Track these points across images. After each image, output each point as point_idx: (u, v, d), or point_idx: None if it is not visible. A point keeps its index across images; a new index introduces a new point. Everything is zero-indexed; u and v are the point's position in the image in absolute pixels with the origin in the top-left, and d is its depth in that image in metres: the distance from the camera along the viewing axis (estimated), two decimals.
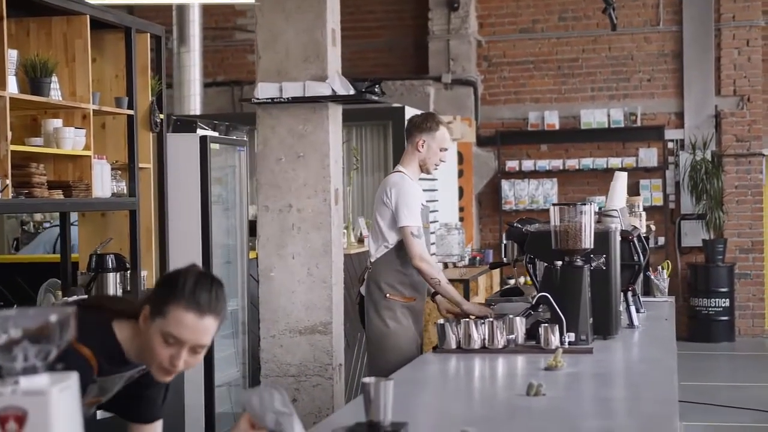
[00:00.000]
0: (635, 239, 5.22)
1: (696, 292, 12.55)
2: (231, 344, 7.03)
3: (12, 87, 4.82)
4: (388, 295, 5.34)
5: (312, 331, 6.12)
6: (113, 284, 5.56)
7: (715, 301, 12.46)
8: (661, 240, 12.79)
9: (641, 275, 5.69)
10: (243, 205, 7.08)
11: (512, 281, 12.62)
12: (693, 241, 12.85)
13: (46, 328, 1.80)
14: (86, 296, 5.21)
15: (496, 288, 11.29)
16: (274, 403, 2.63)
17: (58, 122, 5.18)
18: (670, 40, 13.03)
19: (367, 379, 2.80)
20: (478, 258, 11.25)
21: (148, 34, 6.05)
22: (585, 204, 4.53)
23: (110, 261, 5.55)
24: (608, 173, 12.88)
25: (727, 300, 12.48)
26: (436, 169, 5.55)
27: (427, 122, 5.44)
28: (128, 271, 5.72)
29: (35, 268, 6.39)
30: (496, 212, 13.15)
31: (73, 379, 1.84)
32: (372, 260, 5.45)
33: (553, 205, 4.58)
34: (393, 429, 2.80)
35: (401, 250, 5.30)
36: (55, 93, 5.10)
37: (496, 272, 11.32)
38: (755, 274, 12.87)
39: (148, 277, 6.00)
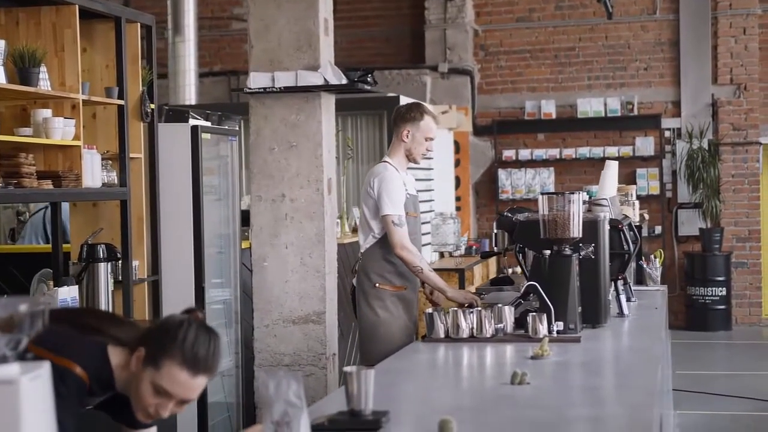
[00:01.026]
0: (625, 228, 5.21)
1: (693, 281, 12.56)
2: (224, 334, 7.03)
3: (0, 77, 4.81)
4: (377, 284, 5.37)
5: (305, 321, 6.12)
6: (104, 274, 5.55)
7: (712, 290, 12.46)
8: (658, 229, 12.79)
9: (632, 264, 5.69)
10: (235, 194, 7.08)
11: (509, 270, 12.63)
12: (690, 230, 12.84)
13: (15, 318, 1.81)
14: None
15: (492, 277, 11.30)
16: (289, 393, 2.64)
17: (47, 112, 5.17)
18: (667, 29, 13.00)
19: (348, 369, 2.81)
20: (474, 247, 11.25)
21: (138, 24, 6.04)
22: (573, 193, 4.53)
23: (101, 251, 5.55)
24: (605, 162, 12.84)
25: (724, 289, 12.48)
26: (424, 157, 5.57)
27: (411, 112, 5.46)
28: (119, 261, 5.72)
29: (30, 258, 6.39)
30: (493, 202, 13.15)
31: (44, 368, 1.84)
32: (361, 251, 5.49)
33: (542, 194, 4.59)
34: (374, 417, 2.81)
35: (388, 239, 5.33)
36: (44, 83, 5.09)
37: (493, 261, 11.33)
38: (752, 263, 12.87)
39: (140, 266, 6.00)
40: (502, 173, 13.18)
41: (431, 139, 5.46)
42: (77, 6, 5.36)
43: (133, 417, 2.85)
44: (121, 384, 2.73)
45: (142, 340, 2.69)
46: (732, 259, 12.69)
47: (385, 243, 5.35)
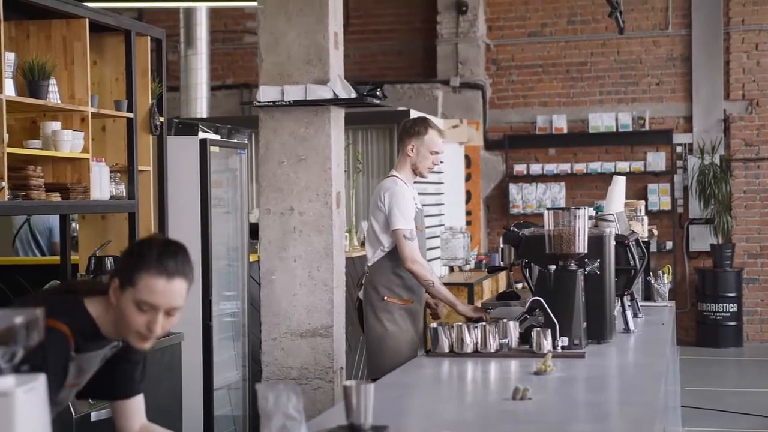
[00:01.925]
0: (632, 244, 5.21)
1: (704, 296, 12.51)
2: (231, 347, 7.05)
3: (9, 90, 4.85)
4: (385, 297, 5.39)
5: (313, 334, 6.13)
6: None
7: (723, 306, 12.42)
8: (669, 244, 12.76)
9: (638, 280, 5.68)
10: (244, 207, 7.10)
11: (520, 285, 12.61)
12: (701, 246, 12.81)
13: (11, 330, 1.82)
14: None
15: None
16: (289, 406, 2.65)
17: (56, 125, 5.20)
18: (679, 44, 13.00)
19: (348, 383, 2.82)
20: (484, 262, 11.24)
21: (149, 37, 6.07)
22: (579, 208, 4.53)
23: (109, 263, 5.57)
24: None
25: (735, 305, 12.44)
26: (431, 171, 5.59)
27: (415, 126, 5.50)
28: None
29: (37, 270, 6.42)
30: (504, 216, 13.14)
31: (39, 380, 1.85)
32: (369, 264, 5.51)
33: (548, 209, 4.59)
34: None
35: (397, 253, 5.34)
36: (54, 96, 5.12)
37: (503, 276, 11.31)
38: (763, 279, 12.83)
39: None
40: (513, 188, 13.17)
41: (437, 153, 5.49)
42: (87, 19, 5.39)
43: (118, 385, 2.94)
44: (107, 329, 2.79)
45: (113, 275, 2.78)
46: (743, 275, 12.65)
47: (393, 256, 5.36)
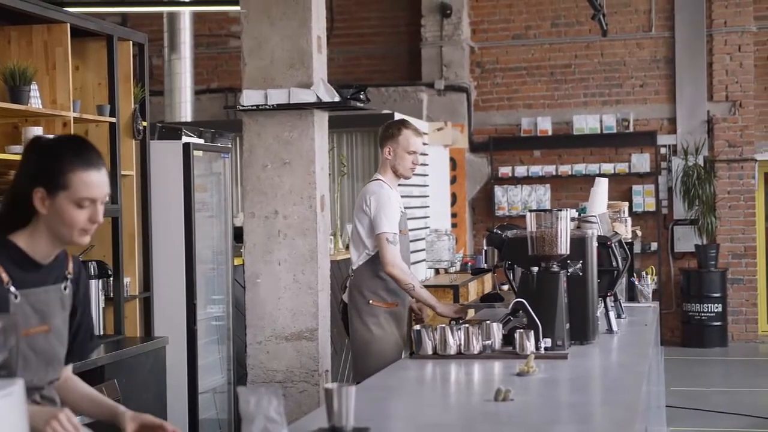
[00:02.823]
0: (615, 245, 5.22)
1: (689, 297, 12.56)
2: (216, 350, 7.04)
3: None
4: (371, 301, 5.43)
5: (298, 338, 6.13)
6: (95, 291, 5.56)
7: (708, 307, 12.46)
8: (654, 245, 12.80)
9: (622, 281, 5.70)
10: (228, 211, 7.10)
11: (506, 287, 12.61)
12: (686, 247, 12.85)
13: None
14: None
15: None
16: (270, 409, 2.65)
17: (38, 130, 5.20)
18: (663, 46, 13.05)
19: (329, 385, 2.83)
20: (470, 264, 11.26)
21: (131, 42, 6.07)
22: (561, 210, 4.55)
23: (92, 268, 5.56)
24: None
25: (720, 305, 12.48)
26: (412, 171, 5.61)
27: (389, 129, 5.58)
28: (110, 278, 5.73)
29: None
30: (490, 218, 13.15)
31: (17, 385, 1.85)
32: (353, 267, 5.55)
33: (530, 211, 4.60)
34: None
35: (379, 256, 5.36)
36: (35, 101, 5.12)
37: (488, 278, 11.33)
38: (748, 279, 12.88)
39: (131, 283, 6.02)
40: (498, 190, 13.19)
41: (414, 152, 5.53)
42: (69, 24, 5.39)
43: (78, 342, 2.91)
44: (39, 252, 2.79)
45: (30, 186, 2.75)
46: (728, 275, 12.70)
47: (378, 260, 5.39)
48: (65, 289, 2.89)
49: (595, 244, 4.81)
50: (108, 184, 2.82)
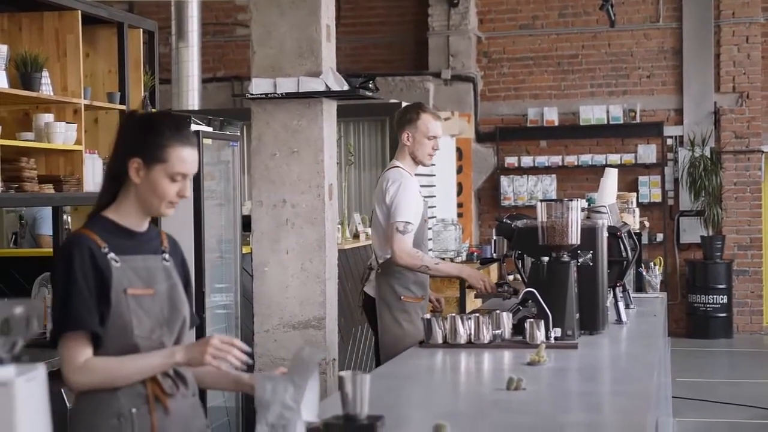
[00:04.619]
0: (624, 235, 5.22)
1: (694, 288, 12.56)
2: None
3: (2, 82, 4.84)
4: (403, 297, 5.29)
5: (306, 326, 6.13)
6: None
7: (713, 298, 12.47)
8: (660, 236, 12.80)
9: (630, 271, 5.70)
10: (236, 200, 7.10)
11: (511, 278, 12.62)
12: (691, 238, 12.85)
13: (11, 320, 1.82)
14: None
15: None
16: (286, 396, 2.67)
17: (49, 117, 5.20)
18: (670, 37, 13.03)
19: (343, 373, 2.83)
20: (476, 254, 11.25)
21: (141, 30, 6.07)
22: (572, 200, 4.55)
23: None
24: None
25: (725, 296, 12.48)
26: (431, 158, 5.45)
27: (407, 114, 5.40)
28: None
29: (30, 262, 6.41)
30: (495, 208, 13.16)
31: (39, 370, 1.86)
32: (380, 261, 5.37)
33: (541, 201, 4.60)
34: (369, 422, 2.82)
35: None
36: (46, 88, 5.12)
37: (495, 268, 11.34)
38: (753, 271, 12.88)
39: None
40: (504, 180, 13.19)
41: (434, 137, 5.37)
42: (80, 12, 5.39)
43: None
44: (130, 219, 2.93)
45: (127, 156, 2.88)
46: (733, 266, 12.70)
47: None
48: (165, 260, 3.01)
49: (605, 234, 4.81)
50: (197, 162, 2.96)
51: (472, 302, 8.62)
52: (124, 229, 2.93)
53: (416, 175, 5.58)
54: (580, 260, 4.59)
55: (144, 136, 2.90)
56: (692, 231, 12.82)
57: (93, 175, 5.44)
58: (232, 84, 13.51)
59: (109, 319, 2.82)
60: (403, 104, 9.96)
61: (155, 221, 3.35)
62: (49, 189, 5.09)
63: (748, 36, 12.80)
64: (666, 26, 13.03)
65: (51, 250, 5.96)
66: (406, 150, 5.38)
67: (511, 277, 10.79)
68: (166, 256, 3.02)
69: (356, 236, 8.00)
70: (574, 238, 4.50)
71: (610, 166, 12.75)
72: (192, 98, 10.43)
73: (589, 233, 4.66)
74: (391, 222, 5.24)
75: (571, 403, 3.39)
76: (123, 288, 2.84)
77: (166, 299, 2.96)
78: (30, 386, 1.82)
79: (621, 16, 12.70)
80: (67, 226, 6.40)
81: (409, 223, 5.23)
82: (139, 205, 2.92)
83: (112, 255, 2.86)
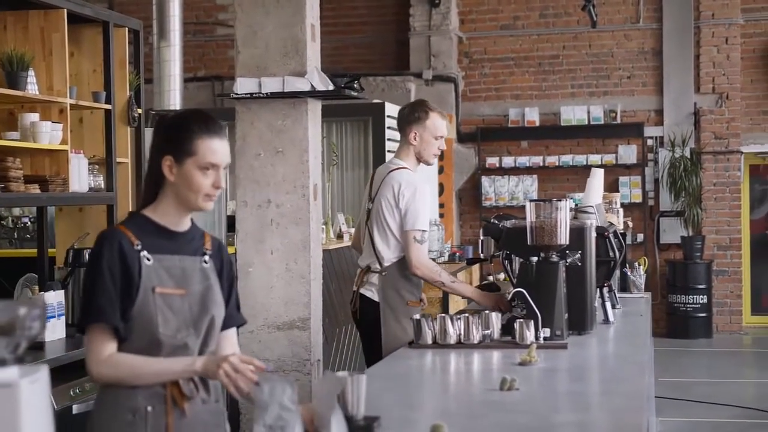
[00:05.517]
0: (611, 236, 5.24)
1: (674, 288, 12.62)
2: None
3: None
4: (409, 302, 5.19)
5: (290, 327, 6.12)
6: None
7: (693, 298, 12.53)
8: (640, 237, 12.85)
9: (617, 271, 5.71)
10: (221, 200, 7.08)
11: (491, 277, 12.63)
12: (671, 238, 12.91)
13: (15, 321, 1.81)
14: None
15: (476, 284, 11.31)
16: (284, 397, 2.66)
17: (34, 116, 5.16)
18: (650, 38, 13.08)
19: (340, 374, 2.82)
20: (458, 254, 11.27)
21: (126, 29, 6.03)
22: (561, 200, 4.55)
23: (87, 256, 5.52)
24: (588, 170, 12.79)
25: (705, 296, 12.55)
26: (435, 158, 5.35)
27: (415, 112, 5.24)
28: None
29: (13, 263, 6.37)
30: (477, 208, 13.18)
31: (42, 371, 1.84)
32: (385, 263, 5.22)
33: (530, 201, 4.60)
34: (366, 423, 2.82)
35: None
36: (32, 87, 5.08)
37: (476, 268, 11.36)
38: (732, 271, 12.95)
39: None
40: (485, 180, 13.21)
41: (441, 137, 5.23)
42: (65, 10, 5.35)
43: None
44: (170, 219, 2.96)
45: (159, 156, 2.94)
46: (713, 267, 12.77)
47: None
48: (205, 262, 3.01)
49: (593, 234, 4.83)
50: (229, 153, 3.00)
51: (455, 303, 8.63)
52: (163, 229, 2.96)
53: None
54: (569, 260, 4.60)
55: (172, 133, 2.97)
56: (672, 231, 12.88)
57: (79, 175, 5.40)
58: (212, 84, 13.48)
59: (133, 315, 2.85)
60: (387, 104, 9.99)
61: None
62: (35, 189, 5.05)
63: (727, 37, 12.87)
64: (646, 27, 13.09)
65: (35, 251, 5.91)
66: (411, 149, 5.24)
67: (491, 277, 10.81)
68: (207, 258, 3.03)
69: (340, 236, 7.99)
70: (563, 238, 4.51)
71: (592, 166, 12.78)
72: (174, 98, 10.36)
73: (578, 233, 4.67)
74: (407, 230, 5.07)
75: (565, 403, 3.40)
76: (152, 286, 2.88)
77: (198, 300, 2.97)
78: (34, 388, 1.80)
79: (602, 17, 12.74)
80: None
81: (425, 231, 5.11)
82: (178, 203, 2.96)
83: (144, 253, 2.89)
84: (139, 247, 2.89)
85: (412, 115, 5.25)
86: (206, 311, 2.98)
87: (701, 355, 11.94)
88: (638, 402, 3.17)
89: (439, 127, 5.22)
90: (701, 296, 12.52)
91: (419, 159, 5.26)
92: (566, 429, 2.99)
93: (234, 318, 3.12)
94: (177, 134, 2.95)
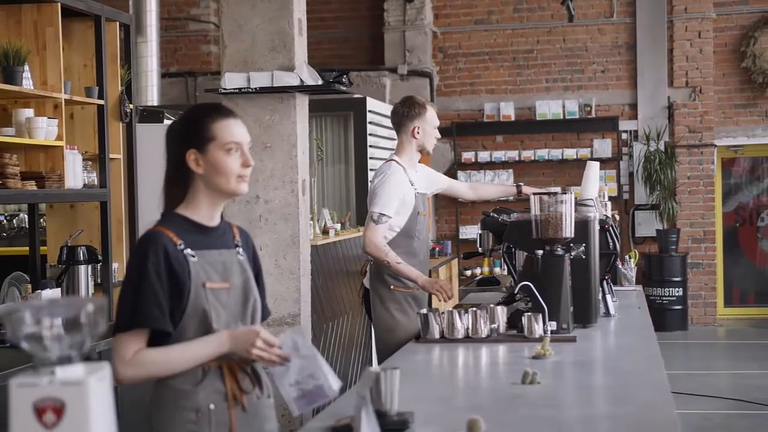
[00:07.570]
0: (611, 228, 5.25)
1: (650, 281, 12.68)
2: None
3: None
4: (392, 287, 5.34)
5: (280, 323, 6.09)
6: (84, 277, 5.47)
7: (669, 291, 12.60)
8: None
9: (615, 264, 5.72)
10: None
11: (468, 272, 12.65)
12: (647, 231, 12.98)
13: (81, 317, 1.78)
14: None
15: (455, 279, 11.33)
16: (300, 348, 2.80)
17: (29, 112, 5.09)
18: (624, 32, 13.14)
19: (373, 369, 2.79)
20: (437, 249, 11.28)
21: (117, 23, 5.96)
22: (565, 193, 4.55)
23: (81, 253, 5.46)
24: (563, 164, 12.99)
25: (680, 289, 12.63)
26: (434, 145, 5.58)
27: (414, 108, 5.44)
28: (99, 264, 5.64)
29: (3, 260, 6.28)
30: (452, 204, 13.18)
31: (106, 369, 1.81)
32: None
33: (534, 194, 4.60)
34: (400, 418, 2.79)
35: (400, 240, 5.28)
36: (27, 82, 5.01)
37: (455, 263, 11.37)
38: (707, 264, 13.04)
39: (119, 269, 5.92)
40: (461, 175, 13.21)
41: (437, 126, 5.52)
42: (59, 4, 5.28)
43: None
44: (204, 212, 2.95)
45: (182, 154, 2.92)
46: (688, 260, 12.85)
47: (397, 243, 5.29)
48: (240, 254, 3.01)
49: (597, 227, 4.83)
50: (247, 132, 2.99)
51: (437, 302, 8.61)
52: (197, 225, 2.94)
53: (373, 168, 5.56)
54: (573, 253, 4.60)
55: (187, 128, 2.96)
56: (647, 225, 12.95)
57: (74, 171, 5.33)
58: (186, 80, 13.36)
59: (187, 314, 2.84)
60: (368, 100, 9.95)
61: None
62: (31, 185, 4.98)
63: (700, 31, 12.96)
64: (620, 21, 13.14)
65: (26, 249, 5.84)
66: (413, 143, 5.44)
67: (469, 272, 10.81)
68: (240, 250, 3.03)
69: (326, 232, 7.95)
70: (568, 231, 4.51)
71: (567, 161, 12.85)
72: (152, 94, 10.29)
73: (582, 226, 4.68)
74: (369, 211, 5.30)
75: (592, 396, 3.39)
76: (202, 282, 2.87)
77: (240, 293, 2.97)
78: (101, 385, 1.77)
79: (576, 11, 12.76)
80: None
81: (383, 214, 5.26)
82: (212, 194, 2.94)
83: (188, 251, 2.87)
84: (182, 246, 2.87)
85: (412, 111, 5.43)
86: (248, 303, 2.99)
87: (677, 348, 12.00)
88: (666, 396, 3.17)
89: (435, 117, 5.52)
90: (677, 289, 12.60)
91: (422, 150, 5.48)
92: (602, 421, 2.96)
93: (264, 309, 3.11)
94: (193, 126, 2.94)
